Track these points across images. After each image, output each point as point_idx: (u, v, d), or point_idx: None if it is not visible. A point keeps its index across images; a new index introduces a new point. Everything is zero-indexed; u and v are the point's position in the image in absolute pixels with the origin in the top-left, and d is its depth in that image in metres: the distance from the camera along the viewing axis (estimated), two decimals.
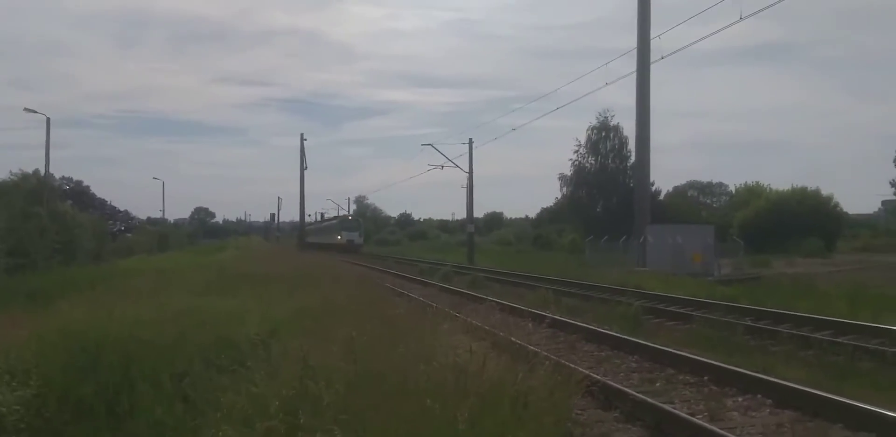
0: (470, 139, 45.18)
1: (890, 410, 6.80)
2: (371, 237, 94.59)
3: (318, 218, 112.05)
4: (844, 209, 58.67)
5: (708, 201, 76.81)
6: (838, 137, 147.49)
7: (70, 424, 8.23)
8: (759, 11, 26.75)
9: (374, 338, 7.97)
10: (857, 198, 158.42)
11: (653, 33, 33.27)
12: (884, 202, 68.55)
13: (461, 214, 69.58)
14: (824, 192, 55.03)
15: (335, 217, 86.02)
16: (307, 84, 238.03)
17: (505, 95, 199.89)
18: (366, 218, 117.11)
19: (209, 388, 8.21)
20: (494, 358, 6.42)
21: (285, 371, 7.55)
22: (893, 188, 50.56)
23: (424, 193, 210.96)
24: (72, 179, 73.17)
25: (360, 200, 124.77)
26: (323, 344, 8.26)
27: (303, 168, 64.03)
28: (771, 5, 29.14)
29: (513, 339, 8.75)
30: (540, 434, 5.41)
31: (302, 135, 64.22)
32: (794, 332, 11.95)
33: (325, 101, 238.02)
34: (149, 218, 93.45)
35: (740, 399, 8.15)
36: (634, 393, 7.87)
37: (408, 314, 11.07)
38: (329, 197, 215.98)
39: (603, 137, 54.94)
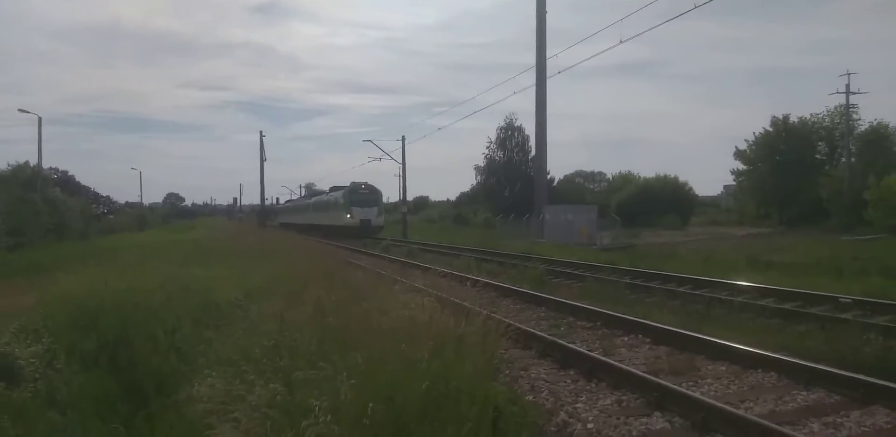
0: (403, 136, 44.80)
1: (738, 344, 7.22)
2: None
3: (302, 193, 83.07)
4: (696, 192, 61.02)
5: (591, 187, 78.29)
6: (691, 135, 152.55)
7: (78, 373, 7.96)
8: (635, 36, 27.48)
9: (339, 299, 7.95)
10: (705, 183, 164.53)
11: (550, 53, 33.76)
12: (725, 186, 71.73)
13: (395, 197, 68.70)
14: (681, 179, 57.40)
15: (336, 187, 47.17)
16: (261, 89, 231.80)
17: (427, 101, 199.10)
18: None
19: (198, 341, 8.08)
20: (438, 311, 6.48)
21: (263, 326, 7.49)
22: (733, 175, 52.99)
23: (364, 180, 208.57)
24: (58, 169, 69.20)
25: (309, 186, 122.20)
26: (294, 304, 8.21)
27: (262, 159, 61.92)
28: (646, 31, 29.76)
29: (450, 297, 8.87)
30: (477, 368, 5.52)
31: (261, 132, 61.77)
32: (663, 287, 12.36)
33: (277, 103, 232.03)
34: (127, 202, 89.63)
35: (626, 339, 8.47)
36: (545, 335, 8.10)
37: (363, 279, 11.06)
38: (283, 184, 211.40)
39: (509, 135, 55.58)
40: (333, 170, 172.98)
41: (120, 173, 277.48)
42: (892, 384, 5.57)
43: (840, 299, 9.94)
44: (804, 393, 5.93)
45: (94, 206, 67.51)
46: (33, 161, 37.46)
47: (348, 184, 43.00)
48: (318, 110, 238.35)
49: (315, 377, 5.08)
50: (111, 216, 69.42)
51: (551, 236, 30.69)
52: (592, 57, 38.01)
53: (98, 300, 10.42)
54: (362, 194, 41.19)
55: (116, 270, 15.10)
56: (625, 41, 23.75)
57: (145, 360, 8.09)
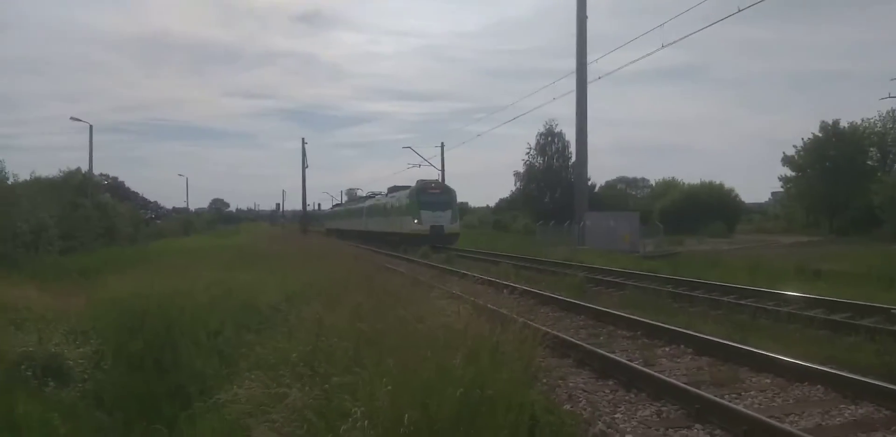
0: (442, 143, 45.25)
1: (783, 355, 7.03)
2: None
3: (343, 199, 78.70)
4: (742, 199, 59.65)
5: (634, 193, 77.22)
6: (735, 141, 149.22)
7: (124, 375, 8.20)
8: (678, 41, 27.11)
9: (376, 304, 8.02)
10: (752, 190, 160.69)
11: (590, 58, 33.59)
12: (773, 193, 69.96)
13: None
14: (726, 185, 56.12)
15: (397, 187, 39.53)
16: (304, 97, 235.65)
17: (466, 107, 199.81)
18: None
19: (239, 344, 8.24)
20: (475, 318, 6.49)
21: (302, 331, 7.59)
22: (780, 182, 51.70)
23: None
24: (109, 175, 71.47)
25: (350, 192, 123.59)
26: (332, 309, 8.31)
27: (304, 166, 62.87)
28: (688, 36, 29.45)
29: (488, 304, 8.86)
30: (513, 376, 5.50)
31: (303, 139, 62.84)
32: (707, 296, 12.14)
33: (319, 111, 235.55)
34: (174, 208, 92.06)
35: (667, 349, 8.32)
36: (584, 344, 8.01)
37: (400, 285, 11.13)
38: (325, 190, 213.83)
39: (549, 141, 55.17)
40: (374, 176, 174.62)
41: (167, 180, 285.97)
42: None
43: (891, 311, 9.60)
44: (852, 407, 5.74)
45: (143, 211, 69.60)
46: (85, 167, 38.80)
47: (414, 183, 35.08)
48: (359, 117, 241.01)
49: (352, 381, 5.13)
50: (159, 221, 71.29)
51: (592, 243, 30.40)
52: (633, 62, 37.54)
53: (144, 303, 10.73)
54: (433, 195, 32.21)
55: (162, 273, 15.53)
56: (666, 46, 23.55)
57: (189, 362, 8.29)
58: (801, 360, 6.85)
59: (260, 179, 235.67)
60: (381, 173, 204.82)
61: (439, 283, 13.17)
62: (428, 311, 7.52)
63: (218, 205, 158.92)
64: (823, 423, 5.43)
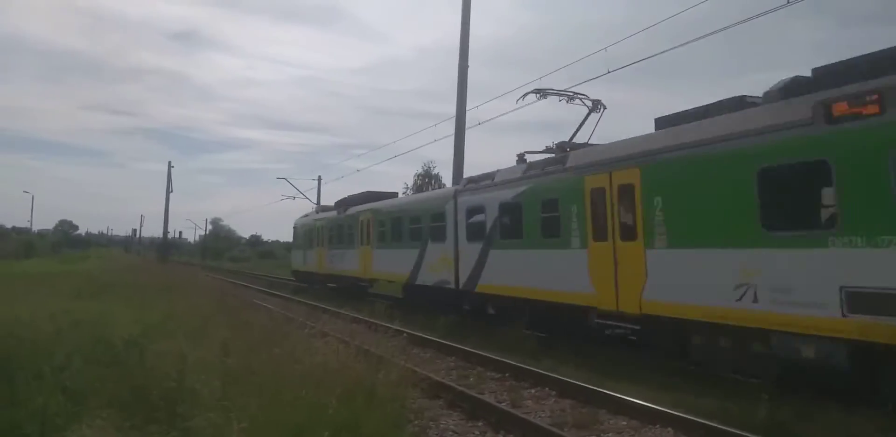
0: (319, 177, 44.46)
1: (638, 399, 7.54)
2: (224, 255, 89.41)
3: (207, 229, 75.39)
4: None
5: None
6: None
7: None
8: (549, 96, 29.09)
9: (245, 340, 7.80)
10: None
11: (469, 105, 35.02)
12: None
13: None
14: None
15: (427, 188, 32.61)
16: (171, 118, 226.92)
17: (346, 142, 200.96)
18: (219, 239, 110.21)
19: (90, 379, 7.65)
20: (350, 358, 6.50)
21: (162, 367, 7.20)
22: None
23: (275, 219, 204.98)
24: None
25: (216, 222, 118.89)
26: (196, 345, 7.95)
27: (169, 191, 59.88)
28: (557, 92, 31.64)
29: (362, 345, 8.84)
30: (386, 418, 5.55)
31: (170, 162, 60.03)
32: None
33: (186, 133, 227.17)
34: (14, 227, 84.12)
35: (533, 391, 8.66)
36: (455, 386, 8.19)
37: (271, 321, 10.84)
38: (187, 218, 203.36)
39: (426, 182, 56.43)
40: (241, 206, 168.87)
41: (6, 195, 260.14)
42: None
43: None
44: None
45: None
46: None
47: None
48: (230, 143, 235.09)
49: (215, 422, 4.95)
50: None
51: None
52: (508, 112, 39.28)
53: None
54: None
55: None
56: (540, 99, 25.03)
57: (28, 398, 7.57)
58: (653, 403, 7.38)
59: (115, 202, 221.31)
60: (251, 203, 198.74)
61: (312, 321, 12.94)
62: (301, 349, 7.41)
63: (66, 227, 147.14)
64: None
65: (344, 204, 24.37)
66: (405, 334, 12.87)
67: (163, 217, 64.28)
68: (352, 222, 22.57)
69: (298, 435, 4.72)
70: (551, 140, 14.83)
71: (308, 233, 27.86)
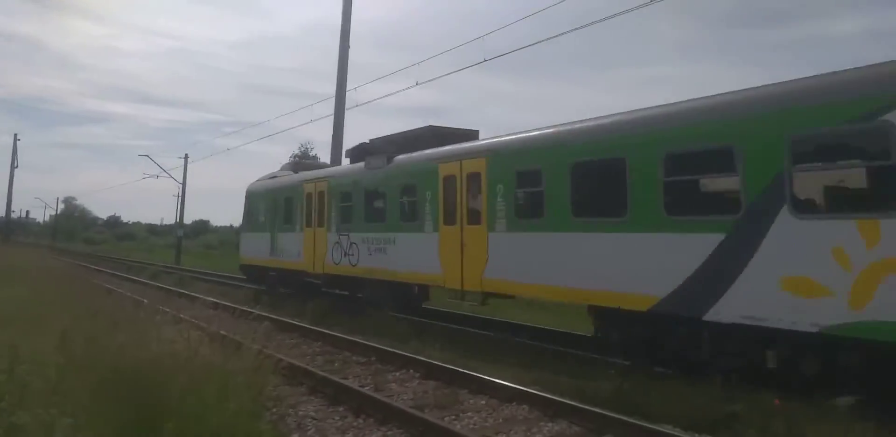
0: (186, 155, 42.19)
1: (499, 378, 7.78)
2: (77, 236, 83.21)
3: (59, 209, 68.76)
4: None
5: None
6: None
7: None
8: (429, 81, 29.24)
9: (89, 328, 7.25)
10: None
11: (350, 86, 34.49)
12: None
13: (170, 219, 63.40)
14: None
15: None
16: (23, 86, 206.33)
17: (218, 119, 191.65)
18: (72, 219, 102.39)
19: None
20: (206, 346, 6.20)
21: None
22: None
23: (136, 199, 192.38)
24: None
25: (68, 201, 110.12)
26: (33, 335, 7.32)
27: (14, 166, 54.65)
28: (437, 78, 31.64)
29: (221, 331, 8.49)
30: (241, 407, 5.37)
31: (16, 135, 54.87)
32: (440, 323, 12.95)
33: (38, 104, 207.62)
34: None
35: (398, 374, 8.73)
36: (317, 371, 8.08)
37: (122, 308, 10.15)
38: (37, 196, 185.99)
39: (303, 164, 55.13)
40: (100, 184, 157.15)
41: None
42: (621, 416, 6.36)
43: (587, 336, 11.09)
44: (550, 424, 6.55)
45: None
46: None
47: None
48: (90, 117, 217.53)
49: (41, 417, 4.57)
50: None
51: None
52: (389, 95, 39.41)
53: None
54: None
55: None
56: (421, 84, 25.16)
57: None
58: (513, 382, 7.64)
59: None
60: (111, 182, 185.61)
61: (169, 307, 12.27)
62: (151, 337, 7.00)
63: None
64: None
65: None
66: (267, 321, 12.57)
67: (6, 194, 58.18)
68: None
69: (135, 429, 4.45)
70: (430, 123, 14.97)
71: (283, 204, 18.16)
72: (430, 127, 14.08)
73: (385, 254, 13.49)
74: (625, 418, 6.25)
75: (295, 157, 54.49)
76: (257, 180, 21.17)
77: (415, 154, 13.17)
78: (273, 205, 18.86)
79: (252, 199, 20.74)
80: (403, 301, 14.07)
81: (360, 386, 7.65)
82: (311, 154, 54.89)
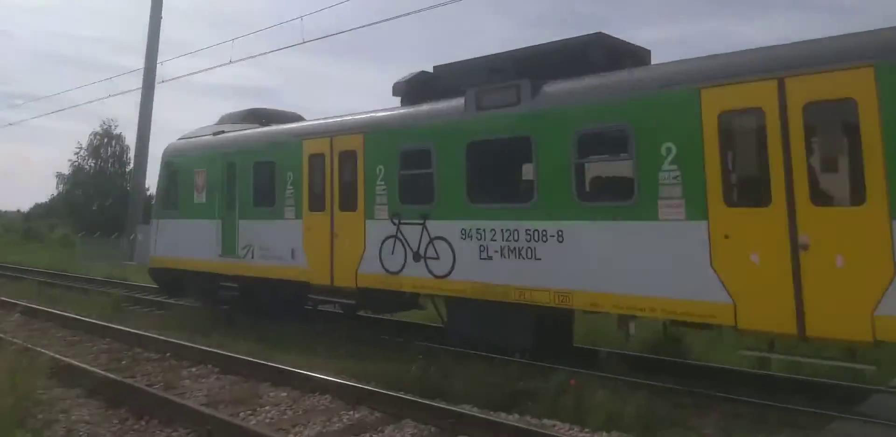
0: None
1: (303, 369, 7.56)
2: None
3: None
4: None
5: None
6: None
7: None
8: (245, 59, 27.93)
9: None
10: None
11: (160, 59, 32.05)
12: None
13: None
14: None
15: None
16: None
17: (8, 90, 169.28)
18: None
19: None
20: None
21: None
22: None
23: None
24: None
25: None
26: None
27: None
28: (255, 56, 30.42)
29: None
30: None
31: None
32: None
33: None
34: None
35: (194, 370, 8.18)
36: (98, 371, 7.34)
37: None
38: None
39: (105, 143, 50.05)
40: None
41: None
42: (420, 399, 6.43)
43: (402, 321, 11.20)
44: (350, 413, 6.45)
45: None
46: None
47: None
48: None
49: None
50: None
51: (144, 259, 28.41)
52: (202, 71, 37.13)
53: None
54: None
55: None
56: (235, 62, 24.01)
57: None
58: (318, 373, 7.45)
59: None
60: None
61: None
62: None
63: None
64: (324, 430, 5.96)
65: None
66: (52, 316, 11.32)
67: None
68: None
69: None
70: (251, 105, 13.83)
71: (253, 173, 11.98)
72: (599, 34, 8.38)
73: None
74: (425, 400, 6.33)
75: (94, 135, 49.54)
76: (182, 137, 14.42)
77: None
78: (227, 175, 12.28)
79: (176, 166, 13.68)
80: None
81: (149, 385, 7.06)
82: (114, 132, 50.15)
